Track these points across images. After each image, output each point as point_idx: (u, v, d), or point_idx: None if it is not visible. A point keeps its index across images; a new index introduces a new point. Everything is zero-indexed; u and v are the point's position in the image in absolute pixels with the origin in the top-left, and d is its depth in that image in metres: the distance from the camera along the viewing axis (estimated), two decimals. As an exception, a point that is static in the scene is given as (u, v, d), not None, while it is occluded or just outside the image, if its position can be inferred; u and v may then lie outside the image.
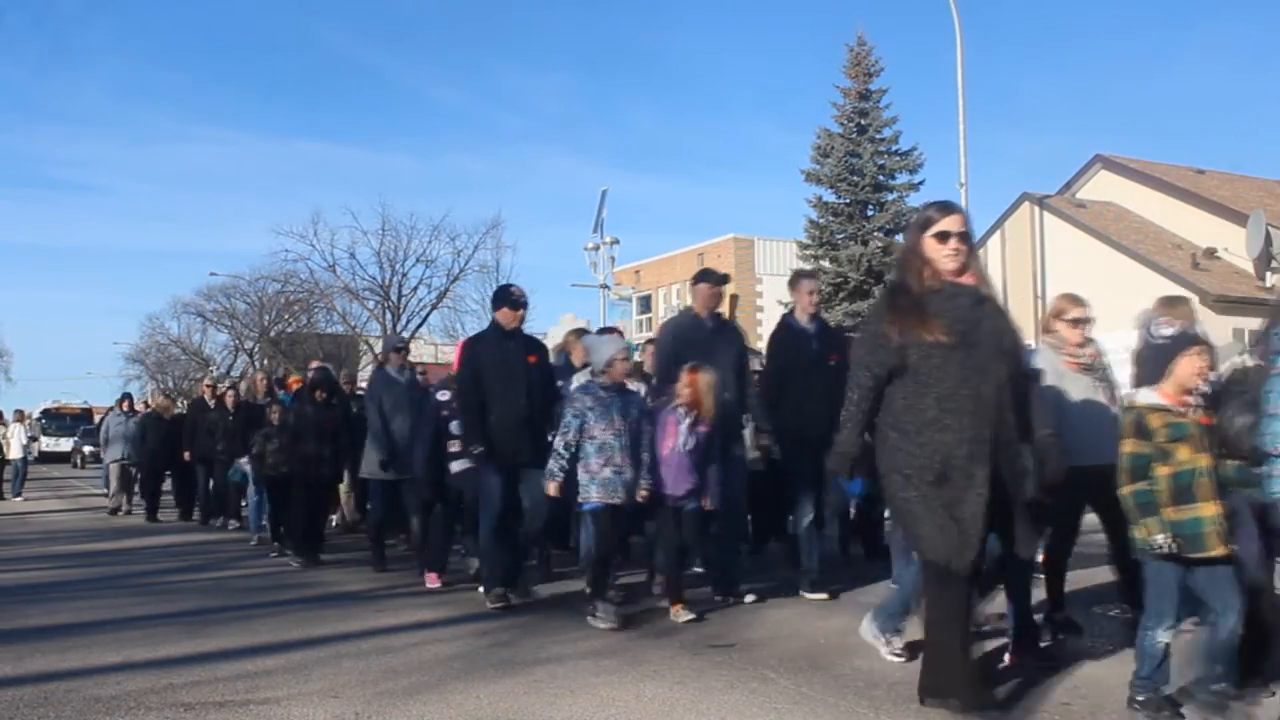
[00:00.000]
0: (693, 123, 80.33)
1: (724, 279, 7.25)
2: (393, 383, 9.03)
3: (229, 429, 12.83)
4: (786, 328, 7.18)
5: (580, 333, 8.47)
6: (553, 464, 6.28)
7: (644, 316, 40.47)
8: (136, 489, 16.42)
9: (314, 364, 12.42)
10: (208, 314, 46.39)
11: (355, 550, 9.93)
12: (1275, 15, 60.64)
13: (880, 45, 40.58)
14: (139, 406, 18.80)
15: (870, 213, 29.62)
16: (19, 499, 19.25)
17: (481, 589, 6.80)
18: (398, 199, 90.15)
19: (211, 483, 13.95)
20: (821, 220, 30.04)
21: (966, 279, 4.10)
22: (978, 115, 43.55)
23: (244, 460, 11.45)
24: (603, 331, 8.35)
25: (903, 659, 4.90)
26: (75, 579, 8.70)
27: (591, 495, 6.20)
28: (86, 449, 34.30)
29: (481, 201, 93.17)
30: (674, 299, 39.22)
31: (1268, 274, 21.61)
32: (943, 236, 4.05)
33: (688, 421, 6.31)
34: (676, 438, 6.33)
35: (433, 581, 7.64)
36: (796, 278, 7.29)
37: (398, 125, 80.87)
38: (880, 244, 29.01)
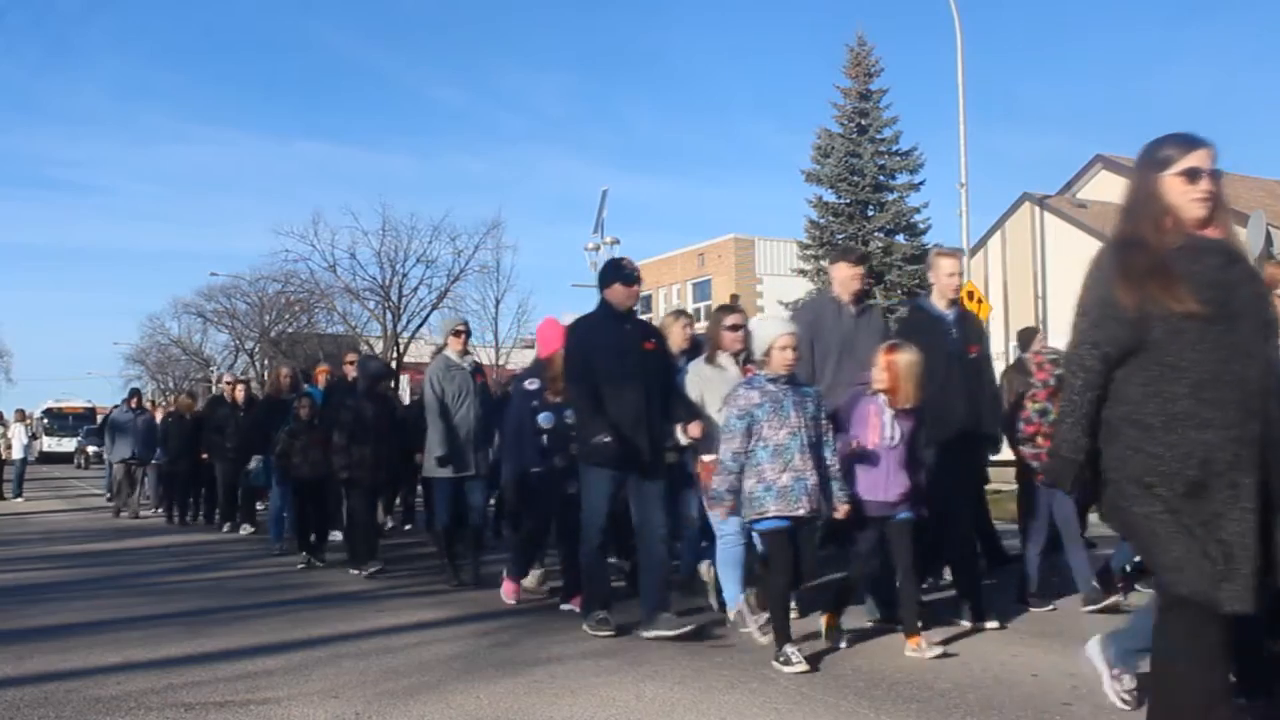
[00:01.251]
0: (693, 123, 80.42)
1: (864, 258, 6.38)
2: (454, 369, 8.07)
3: (240, 425, 12.36)
4: (921, 312, 6.33)
5: (680, 314, 7.50)
6: (720, 482, 5.21)
7: (644, 317, 40.44)
8: (146, 490, 16.21)
9: (350, 356, 11.49)
10: (208, 314, 46.41)
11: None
12: (1274, 16, 60.70)
13: (880, 45, 40.50)
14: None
15: (870, 213, 29.60)
16: (19, 499, 19.25)
17: (584, 616, 5.91)
18: (398, 199, 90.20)
19: (219, 483, 13.27)
20: (822, 220, 30.01)
21: (1212, 232, 3.26)
22: (978, 115, 43.68)
23: (255, 461, 10.84)
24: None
25: (1129, 707, 4.02)
26: (75, 579, 8.70)
27: (768, 508, 5.09)
28: (90, 449, 34.10)
29: (481, 201, 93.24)
30: (674, 299, 39.23)
31: (1268, 274, 21.62)
32: (1192, 175, 3.20)
33: (890, 411, 5.31)
34: (881, 430, 5.29)
35: (510, 594, 6.86)
36: (937, 256, 6.39)
37: (398, 125, 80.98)
38: (880, 244, 29.01)
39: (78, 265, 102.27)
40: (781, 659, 4.92)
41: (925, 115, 72.14)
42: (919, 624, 5.26)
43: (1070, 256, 22.77)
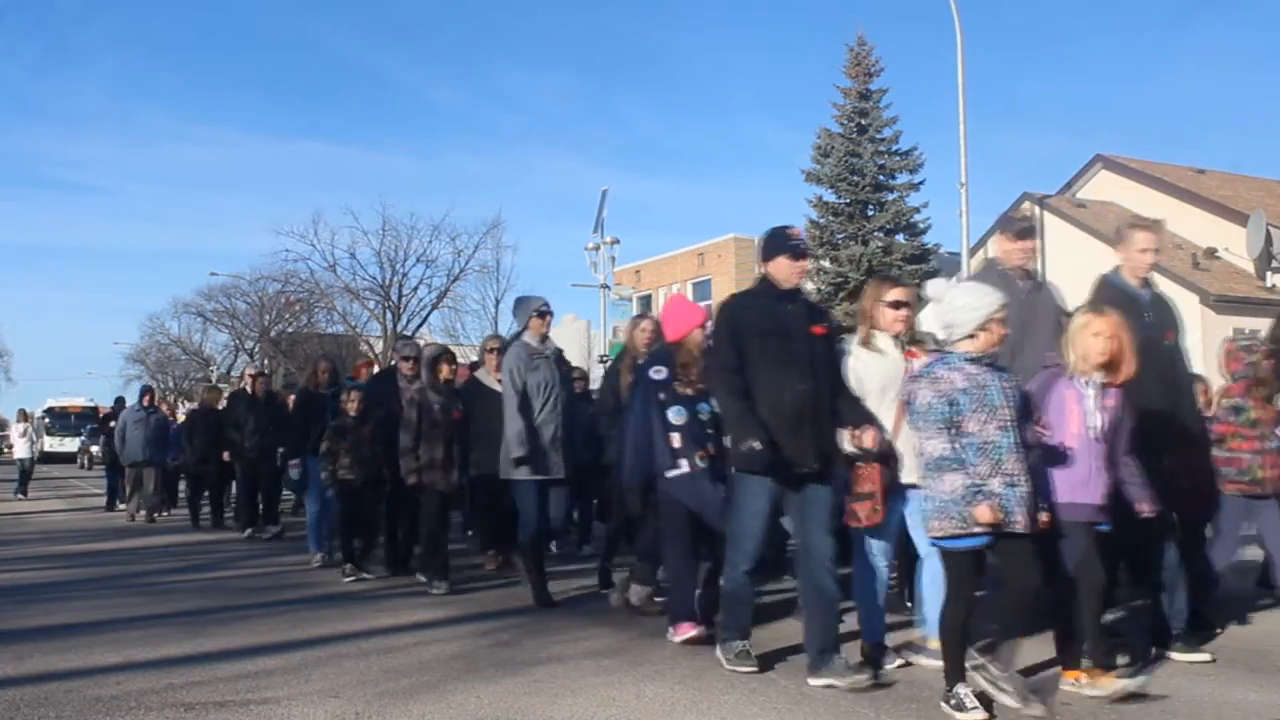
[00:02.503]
0: (693, 123, 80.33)
1: (1028, 231, 5.51)
2: (537, 358, 6.97)
3: (258, 420, 11.79)
4: (1113, 288, 5.43)
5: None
6: (959, 484, 4.10)
7: (643, 317, 40.45)
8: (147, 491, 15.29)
9: (401, 344, 9.92)
10: (208, 314, 46.54)
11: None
12: (1274, 15, 60.68)
13: (880, 45, 40.50)
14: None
15: (870, 213, 29.62)
16: (22, 499, 19.26)
17: (718, 646, 5.01)
18: (398, 199, 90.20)
19: (235, 484, 12.74)
20: (821, 220, 30.05)
21: None
22: (978, 115, 43.60)
23: (294, 464, 9.69)
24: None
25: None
26: (75, 579, 8.70)
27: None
28: (94, 449, 33.72)
29: (481, 201, 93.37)
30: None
31: (1268, 274, 21.64)
32: None
33: (1092, 392, 4.44)
34: (1082, 418, 4.42)
35: (687, 631, 5.53)
36: (1131, 228, 5.55)
37: (397, 125, 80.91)
38: (880, 244, 29.04)
39: (78, 265, 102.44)
40: (953, 701, 4.14)
41: (925, 115, 72.09)
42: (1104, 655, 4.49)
43: (1070, 256, 22.75)
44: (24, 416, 22.10)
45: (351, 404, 8.27)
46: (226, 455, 12.62)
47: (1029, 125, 75.93)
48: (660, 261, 40.60)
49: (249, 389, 12.49)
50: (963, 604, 4.20)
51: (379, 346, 36.70)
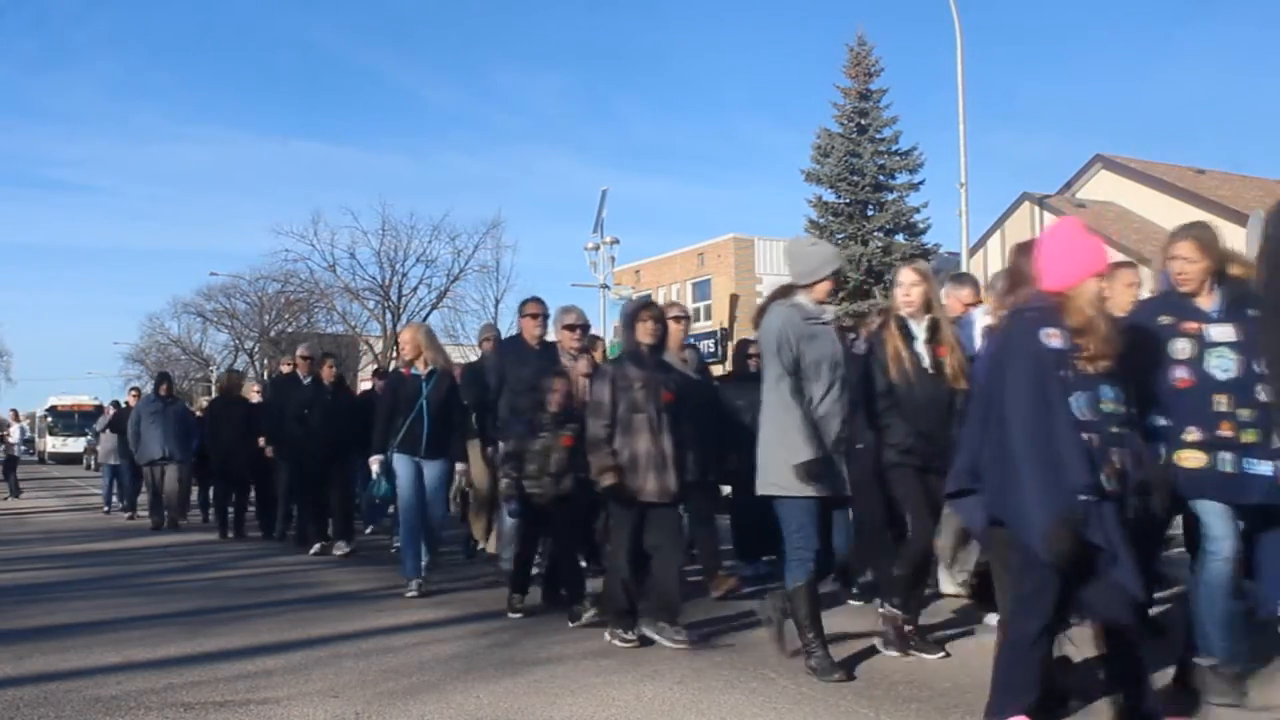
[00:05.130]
0: (693, 123, 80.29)
1: None
2: (814, 325, 4.91)
3: (327, 411, 9.87)
4: None
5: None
6: None
7: (644, 316, 40.49)
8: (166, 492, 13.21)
9: (531, 309, 7.29)
10: (208, 314, 46.66)
11: (369, 555, 9.88)
12: (1274, 15, 60.71)
13: (880, 45, 40.58)
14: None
15: (870, 213, 29.67)
16: (15, 498, 19.30)
17: None
18: (397, 199, 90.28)
19: (284, 488, 10.79)
20: (821, 220, 30.11)
21: None
22: (978, 115, 43.63)
23: (376, 465, 7.57)
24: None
25: None
26: (75, 579, 8.70)
27: None
28: (99, 449, 33.04)
29: (481, 201, 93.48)
30: (674, 298, 39.22)
31: (1268, 274, 21.64)
32: None
33: None
34: None
35: None
36: None
37: (396, 125, 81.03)
38: (880, 244, 29.06)
39: (78, 265, 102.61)
40: None
41: (925, 115, 72.17)
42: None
43: (1070, 256, 22.84)
44: (16, 417, 22.47)
45: (556, 395, 6.29)
46: (270, 451, 10.90)
47: (1029, 125, 76.02)
48: (660, 261, 40.62)
49: (317, 374, 10.28)
50: None
51: (379, 346, 36.74)
